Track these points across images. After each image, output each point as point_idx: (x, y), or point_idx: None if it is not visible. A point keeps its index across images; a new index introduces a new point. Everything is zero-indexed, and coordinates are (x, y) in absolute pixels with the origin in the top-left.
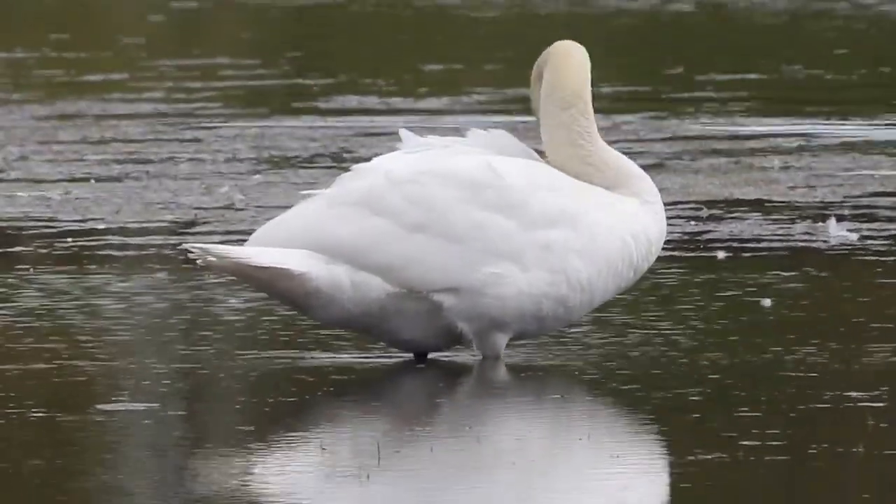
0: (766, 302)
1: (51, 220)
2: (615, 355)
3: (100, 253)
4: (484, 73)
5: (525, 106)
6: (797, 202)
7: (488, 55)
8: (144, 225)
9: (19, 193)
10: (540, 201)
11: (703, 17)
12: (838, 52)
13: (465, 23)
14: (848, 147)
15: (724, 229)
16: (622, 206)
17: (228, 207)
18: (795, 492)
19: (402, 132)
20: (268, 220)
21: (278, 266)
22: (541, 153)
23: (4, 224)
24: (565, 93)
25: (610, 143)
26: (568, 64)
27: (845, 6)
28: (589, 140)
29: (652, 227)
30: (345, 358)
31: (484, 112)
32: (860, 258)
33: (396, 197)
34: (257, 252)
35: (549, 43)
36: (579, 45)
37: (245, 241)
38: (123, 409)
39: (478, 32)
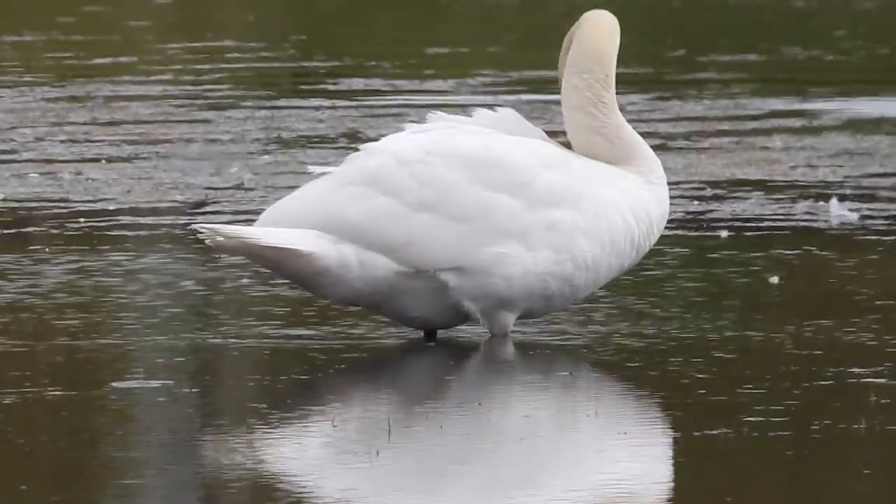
0: (774, 279)
1: (63, 200)
2: (622, 333)
3: (111, 233)
4: (488, 56)
5: (530, 86)
6: (799, 182)
7: (492, 38)
8: (156, 205)
9: (31, 174)
10: (545, 181)
11: (703, 1)
12: (837, 34)
13: (468, 6)
14: (849, 127)
15: (726, 209)
16: (624, 182)
17: (238, 187)
18: (798, 467)
19: (430, 115)
20: (277, 199)
21: (287, 246)
22: (549, 133)
23: (17, 205)
24: (584, 59)
25: None
26: (592, 31)
27: None
28: (604, 111)
29: (653, 206)
30: (355, 336)
31: (488, 93)
32: (861, 237)
33: (404, 177)
34: (266, 232)
35: (550, 26)
36: (611, 15)
37: (255, 220)
38: (138, 386)
39: (481, 15)
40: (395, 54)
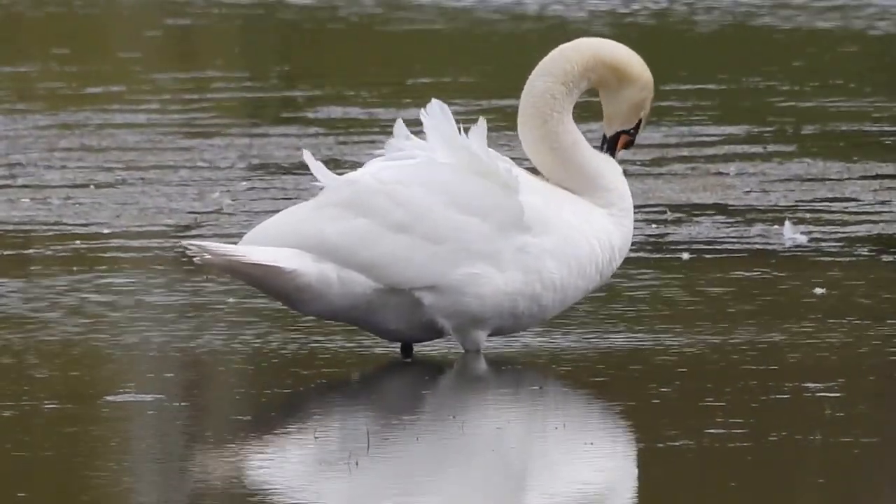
0: (818, 290)
1: (55, 223)
2: (589, 350)
3: (104, 255)
4: (461, 86)
5: (500, 115)
6: (753, 206)
7: (465, 69)
8: (146, 228)
9: (23, 199)
10: (516, 205)
11: (665, 31)
12: (795, 65)
13: (442, 40)
14: (800, 154)
15: (684, 232)
16: (588, 212)
17: (220, 212)
18: (756, 477)
19: (398, 123)
20: (257, 223)
21: (270, 263)
22: (515, 161)
23: (11, 228)
24: (551, 66)
25: None
26: (578, 48)
27: (802, 21)
28: (554, 125)
29: (615, 235)
30: (336, 352)
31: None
32: (813, 259)
33: (381, 199)
34: (251, 250)
35: (518, 59)
36: (602, 46)
37: (236, 242)
38: (131, 399)
39: (455, 48)
40: (375, 84)
